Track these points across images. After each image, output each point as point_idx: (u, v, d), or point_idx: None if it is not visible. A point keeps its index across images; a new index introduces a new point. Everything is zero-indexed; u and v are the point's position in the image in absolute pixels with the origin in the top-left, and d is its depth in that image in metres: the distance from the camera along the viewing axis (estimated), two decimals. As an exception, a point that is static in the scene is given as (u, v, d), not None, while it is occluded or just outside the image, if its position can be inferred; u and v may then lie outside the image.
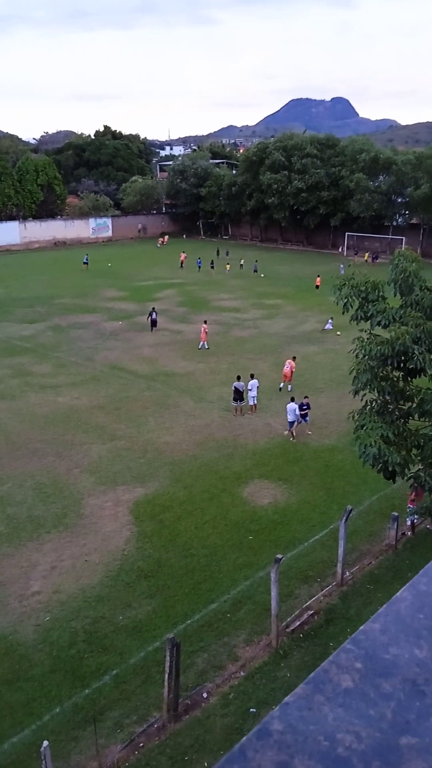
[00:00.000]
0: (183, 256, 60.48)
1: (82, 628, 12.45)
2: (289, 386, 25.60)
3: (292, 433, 21.36)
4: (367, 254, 64.90)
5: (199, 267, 57.73)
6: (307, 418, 21.75)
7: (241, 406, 23.36)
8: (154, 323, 35.57)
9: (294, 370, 25.91)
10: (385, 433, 11.82)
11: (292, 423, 21.23)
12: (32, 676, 11.26)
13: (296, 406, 21.23)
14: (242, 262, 60.24)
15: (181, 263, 59.25)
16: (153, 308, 37.00)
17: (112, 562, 14.53)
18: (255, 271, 56.89)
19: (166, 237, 78.34)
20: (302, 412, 21.43)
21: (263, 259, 61.39)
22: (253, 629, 12.49)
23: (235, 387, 23.20)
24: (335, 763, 0.91)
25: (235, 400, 23.32)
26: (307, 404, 21.70)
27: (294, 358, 26.63)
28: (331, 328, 35.12)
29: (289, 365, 25.82)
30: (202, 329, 32.06)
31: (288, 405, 21.44)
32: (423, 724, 0.98)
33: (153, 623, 12.59)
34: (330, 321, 35.46)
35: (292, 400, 21.75)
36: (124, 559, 14.66)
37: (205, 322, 32.49)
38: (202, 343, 31.84)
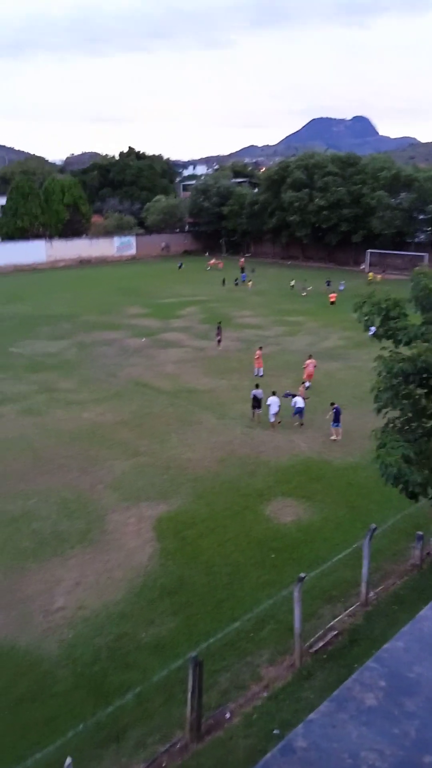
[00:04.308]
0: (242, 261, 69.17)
1: (106, 644, 12.44)
2: (308, 383, 27.34)
3: (277, 422, 23.39)
4: (371, 274, 63.78)
5: (237, 283, 60.45)
6: (338, 423, 22.50)
7: (259, 413, 23.94)
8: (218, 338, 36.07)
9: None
10: (406, 453, 11.69)
11: (275, 413, 23.17)
12: (56, 693, 11.27)
13: (278, 399, 23.32)
14: (293, 283, 58.29)
15: (241, 269, 65.00)
16: (219, 322, 37.62)
17: (135, 579, 14.53)
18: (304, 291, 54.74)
19: (216, 262, 72.27)
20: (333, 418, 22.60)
21: (284, 277, 61.29)
22: (276, 649, 12.35)
23: (254, 395, 24.16)
24: (359, 780, 0.92)
25: (253, 407, 24.11)
26: (337, 409, 22.52)
27: (311, 356, 29.25)
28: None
29: (312, 364, 28.18)
30: (257, 355, 30.41)
31: (270, 398, 23.34)
32: (445, 744, 0.99)
33: (175, 641, 12.52)
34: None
35: (274, 393, 23.62)
36: (146, 576, 14.65)
37: (260, 348, 31.26)
38: (257, 369, 29.93)
